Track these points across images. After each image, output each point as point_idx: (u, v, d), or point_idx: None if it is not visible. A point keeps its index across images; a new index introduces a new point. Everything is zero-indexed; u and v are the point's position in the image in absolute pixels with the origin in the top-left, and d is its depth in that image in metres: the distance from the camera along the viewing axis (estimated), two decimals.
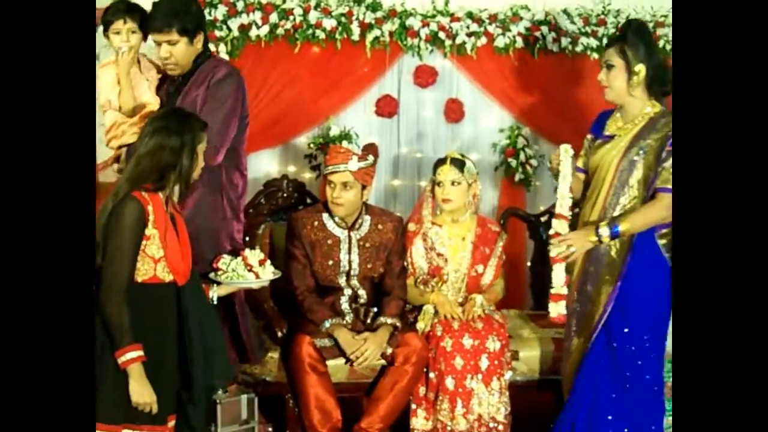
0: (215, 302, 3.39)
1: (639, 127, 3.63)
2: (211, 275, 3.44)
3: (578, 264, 3.75)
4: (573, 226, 3.70)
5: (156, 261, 2.99)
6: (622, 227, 3.56)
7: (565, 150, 3.66)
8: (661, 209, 3.53)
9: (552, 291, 3.65)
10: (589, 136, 3.86)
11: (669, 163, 3.51)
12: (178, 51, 3.65)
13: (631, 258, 3.61)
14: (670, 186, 3.49)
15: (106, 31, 3.77)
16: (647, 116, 3.63)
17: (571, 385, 3.80)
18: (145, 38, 3.73)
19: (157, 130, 3.04)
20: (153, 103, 3.78)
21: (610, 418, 3.67)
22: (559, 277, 3.62)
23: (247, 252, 3.48)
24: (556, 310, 3.66)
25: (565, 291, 3.64)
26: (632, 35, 3.61)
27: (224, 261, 3.45)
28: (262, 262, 3.47)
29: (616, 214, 3.61)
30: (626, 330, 3.63)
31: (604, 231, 3.58)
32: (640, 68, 3.58)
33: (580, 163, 3.84)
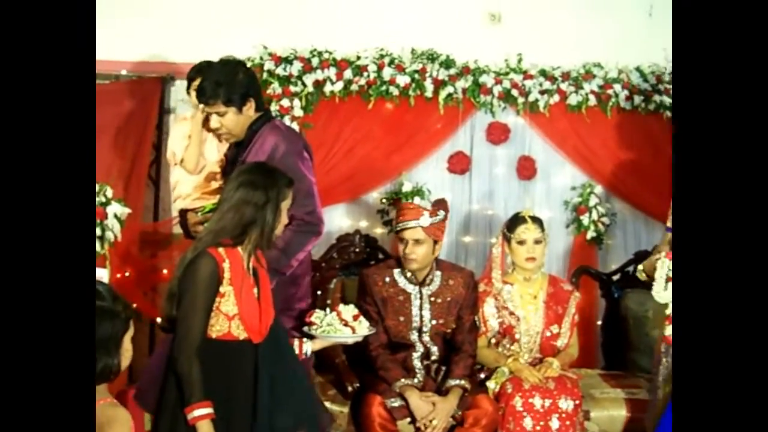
0: (309, 356, 3.37)
1: None
2: (305, 329, 3.43)
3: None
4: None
5: (230, 318, 2.94)
6: None
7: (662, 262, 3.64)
8: None
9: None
10: None
11: None
12: (227, 121, 3.55)
13: None
14: None
15: (189, 86, 3.88)
16: None
17: None
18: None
19: (242, 184, 3.00)
20: (215, 163, 3.82)
21: None
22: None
23: (341, 307, 3.49)
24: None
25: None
26: None
27: (318, 315, 3.44)
28: (356, 317, 3.47)
29: None
30: None
31: None
32: None
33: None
